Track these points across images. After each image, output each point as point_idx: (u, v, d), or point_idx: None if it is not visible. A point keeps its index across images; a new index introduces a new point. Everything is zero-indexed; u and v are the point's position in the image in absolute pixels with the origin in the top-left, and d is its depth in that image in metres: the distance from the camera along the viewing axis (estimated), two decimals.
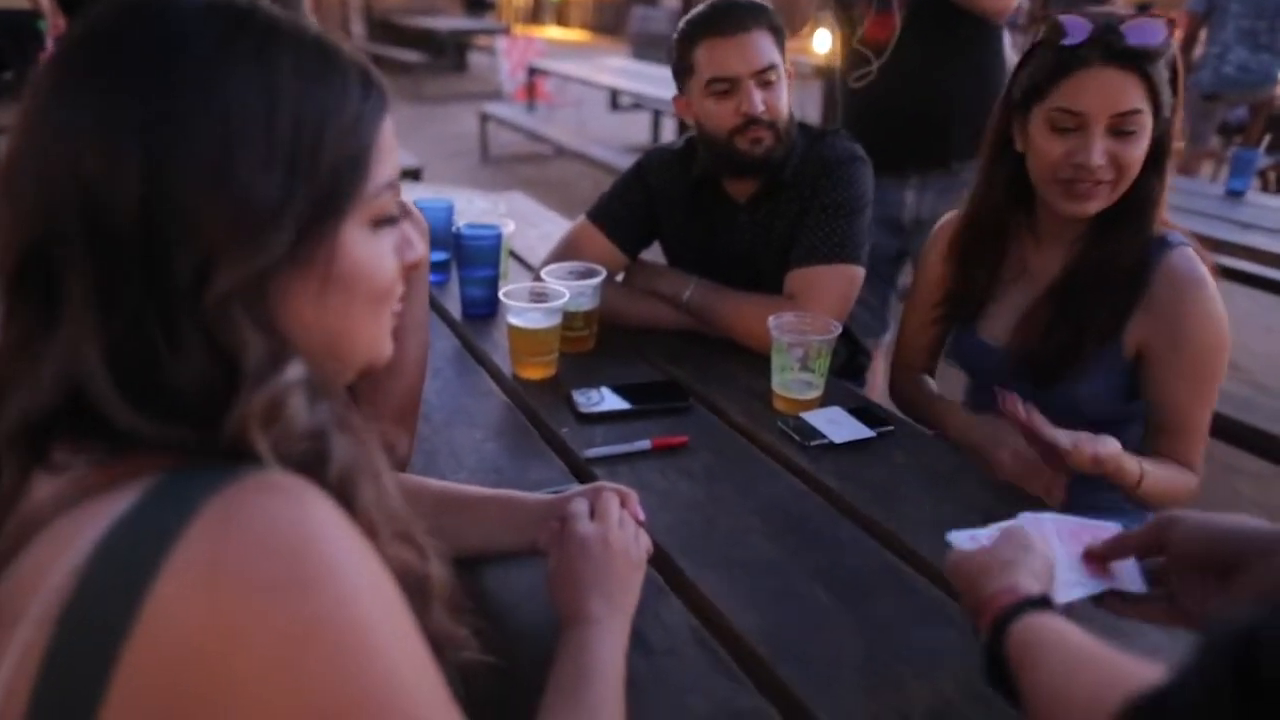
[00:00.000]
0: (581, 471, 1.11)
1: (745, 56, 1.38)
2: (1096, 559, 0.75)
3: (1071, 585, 0.74)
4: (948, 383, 1.43)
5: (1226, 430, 2.29)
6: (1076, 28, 1.10)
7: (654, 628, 0.83)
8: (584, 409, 1.24)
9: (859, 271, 1.43)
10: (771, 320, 1.26)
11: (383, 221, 0.54)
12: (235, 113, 0.46)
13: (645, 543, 0.81)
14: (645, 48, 10.65)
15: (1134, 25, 1.08)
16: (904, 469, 1.14)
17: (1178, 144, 1.15)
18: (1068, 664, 0.58)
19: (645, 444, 1.15)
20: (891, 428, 1.21)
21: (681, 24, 1.45)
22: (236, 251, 0.46)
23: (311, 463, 0.48)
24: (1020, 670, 0.61)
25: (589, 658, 0.69)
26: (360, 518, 0.49)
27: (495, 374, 1.38)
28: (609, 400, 1.27)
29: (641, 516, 0.83)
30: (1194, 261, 1.15)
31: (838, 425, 1.21)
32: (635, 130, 6.74)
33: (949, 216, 1.37)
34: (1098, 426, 1.19)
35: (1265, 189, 4.63)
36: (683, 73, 1.46)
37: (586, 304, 1.42)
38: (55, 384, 0.46)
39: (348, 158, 0.50)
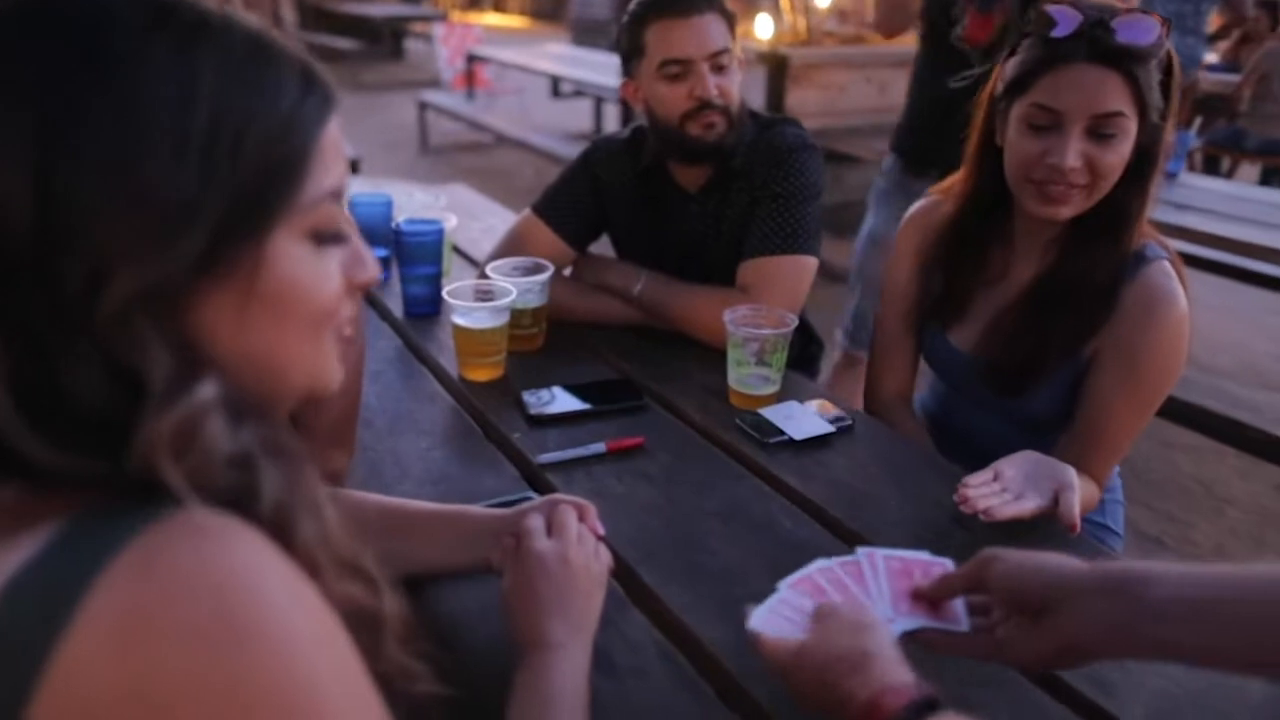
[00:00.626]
0: (535, 478, 1.07)
1: (699, 39, 1.34)
2: (921, 598, 0.74)
3: (890, 623, 0.71)
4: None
5: (1163, 406, 2.33)
6: (1065, 19, 1.04)
7: (617, 645, 0.79)
8: (535, 410, 1.19)
9: (812, 262, 1.40)
10: (727, 314, 1.23)
11: (326, 237, 0.49)
12: (145, 105, 0.42)
13: (606, 559, 0.77)
14: (585, 34, 10.55)
15: (1124, 22, 1.02)
16: (866, 465, 1.11)
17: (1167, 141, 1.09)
18: None
19: (600, 447, 1.11)
20: (850, 422, 1.19)
21: (632, 5, 1.40)
22: (139, 255, 0.41)
23: (240, 497, 0.43)
24: None
25: (551, 686, 0.65)
26: (300, 554, 0.44)
27: (441, 376, 1.33)
28: (560, 400, 1.22)
29: (601, 531, 0.78)
30: (1168, 280, 1.11)
31: (796, 421, 1.18)
32: (577, 118, 6.65)
33: (917, 208, 1.34)
34: (1051, 428, 1.19)
35: (1191, 169, 4.76)
36: (632, 56, 1.41)
37: (534, 301, 1.37)
38: None
39: (277, 161, 0.45)
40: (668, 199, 1.49)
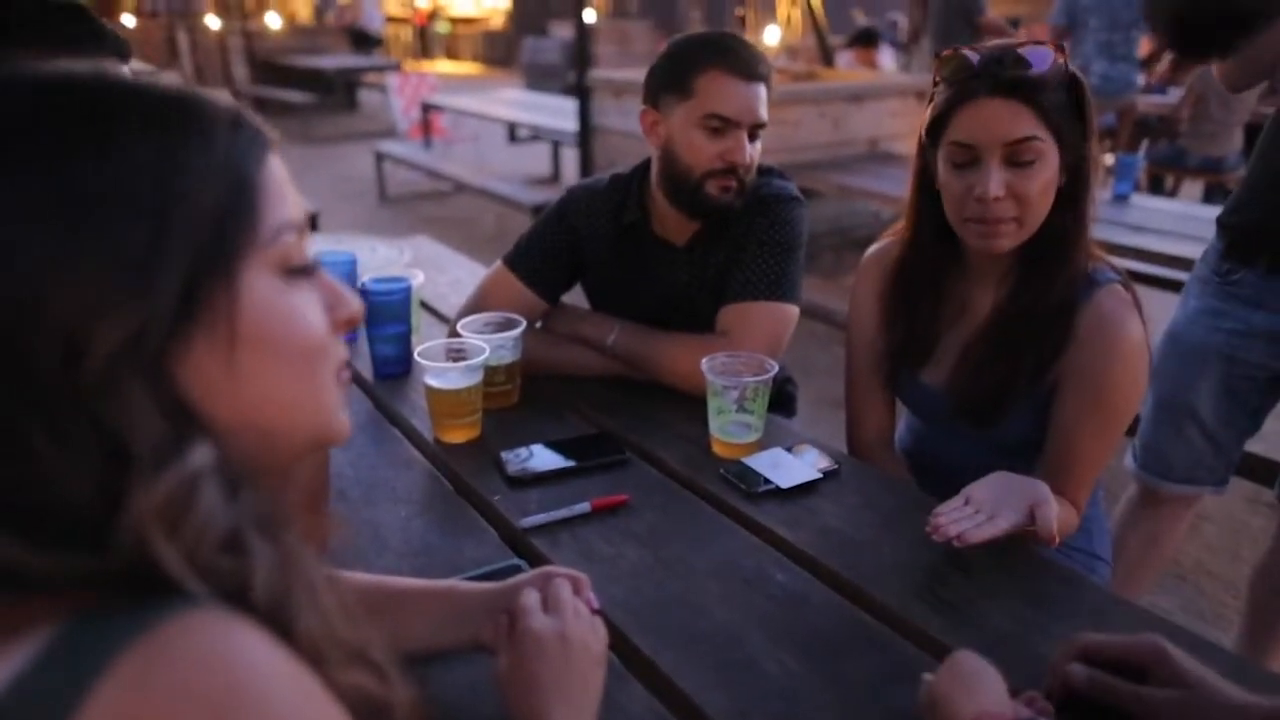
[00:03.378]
0: (518, 543, 1.03)
1: (751, 106, 1.34)
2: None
3: None
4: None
5: (1131, 426, 2.36)
6: (966, 62, 1.08)
7: None
8: (514, 470, 1.16)
9: (794, 311, 1.39)
10: (705, 362, 1.21)
11: (296, 271, 0.48)
12: (81, 195, 0.41)
13: (603, 634, 0.74)
14: (538, 79, 10.63)
15: (1017, 55, 1.06)
16: (856, 510, 1.09)
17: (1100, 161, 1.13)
18: None
19: (585, 506, 1.08)
20: (837, 467, 1.18)
21: (686, 42, 1.38)
22: (116, 306, 0.40)
23: (236, 584, 0.40)
24: None
25: None
26: (302, 645, 0.41)
27: (415, 439, 1.29)
28: (540, 458, 1.19)
29: (596, 605, 0.76)
30: (1121, 304, 1.12)
31: (782, 469, 1.16)
32: (535, 162, 6.67)
33: (875, 249, 1.34)
34: (1027, 451, 1.19)
35: (1136, 189, 4.89)
36: (671, 90, 1.37)
37: (508, 357, 1.35)
38: None
39: (227, 197, 0.45)
40: (650, 253, 1.48)
